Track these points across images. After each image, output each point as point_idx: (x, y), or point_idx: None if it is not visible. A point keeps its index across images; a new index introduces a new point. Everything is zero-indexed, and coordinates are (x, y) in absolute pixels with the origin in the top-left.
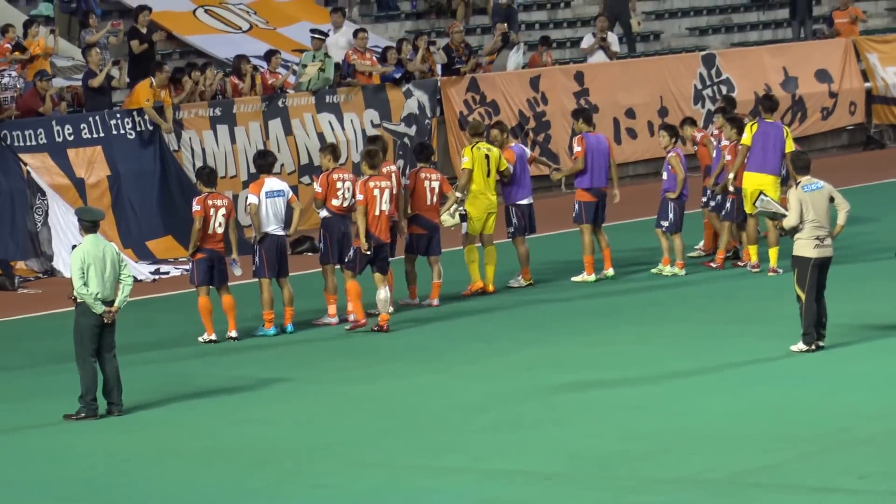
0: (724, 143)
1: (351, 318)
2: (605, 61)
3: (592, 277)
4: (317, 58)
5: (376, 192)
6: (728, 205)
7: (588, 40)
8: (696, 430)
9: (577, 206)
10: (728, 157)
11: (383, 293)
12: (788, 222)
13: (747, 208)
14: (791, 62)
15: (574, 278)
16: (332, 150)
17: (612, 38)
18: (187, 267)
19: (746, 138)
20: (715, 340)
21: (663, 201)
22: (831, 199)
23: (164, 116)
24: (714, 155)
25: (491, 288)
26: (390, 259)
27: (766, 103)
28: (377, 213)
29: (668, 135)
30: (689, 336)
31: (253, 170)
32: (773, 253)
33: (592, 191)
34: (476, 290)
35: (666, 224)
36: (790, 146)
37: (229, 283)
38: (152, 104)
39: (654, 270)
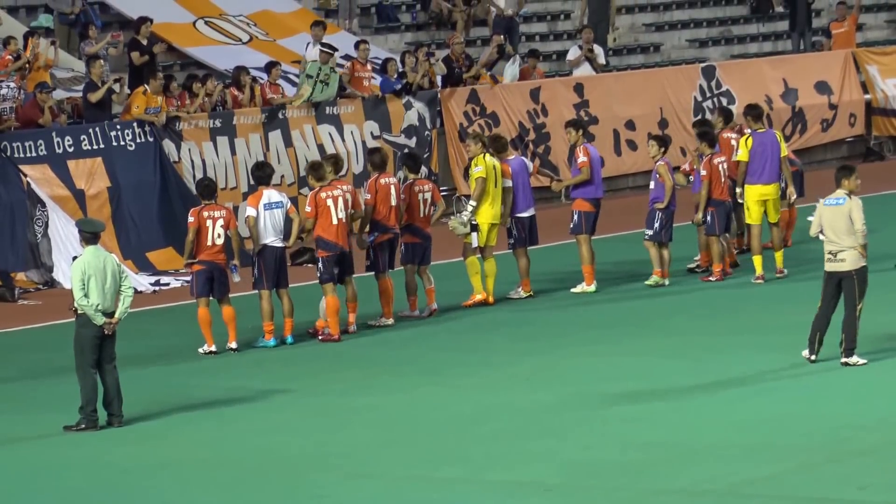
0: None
1: (325, 331)
2: (592, 74)
3: (593, 288)
4: (322, 71)
5: (329, 201)
6: (708, 218)
7: (574, 52)
8: (695, 441)
9: (576, 217)
10: (703, 172)
11: (322, 303)
12: (810, 231)
13: (750, 220)
14: (791, 74)
15: (574, 289)
16: (332, 161)
17: (599, 50)
18: (188, 278)
19: (743, 154)
20: (715, 352)
21: (651, 211)
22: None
23: (158, 121)
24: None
25: (491, 299)
26: (392, 270)
27: (753, 112)
28: (334, 221)
29: (657, 144)
30: (688, 347)
31: (253, 181)
32: (777, 256)
33: (594, 201)
34: (477, 301)
35: (650, 233)
36: (784, 150)
37: (230, 295)
38: (142, 111)
39: (647, 282)
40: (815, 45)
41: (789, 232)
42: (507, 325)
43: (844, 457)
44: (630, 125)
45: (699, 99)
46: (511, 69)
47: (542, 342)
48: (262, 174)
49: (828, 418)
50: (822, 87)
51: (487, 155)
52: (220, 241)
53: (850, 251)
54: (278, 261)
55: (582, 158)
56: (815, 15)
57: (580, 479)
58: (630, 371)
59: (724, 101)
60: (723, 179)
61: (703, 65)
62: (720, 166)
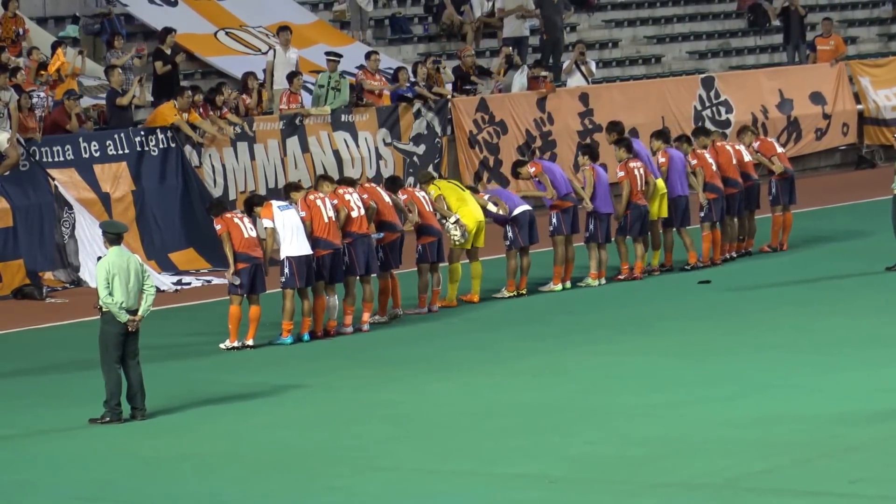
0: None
1: (357, 328)
2: (583, 82)
3: (559, 287)
4: (332, 78)
5: (318, 202)
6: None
7: (567, 63)
8: (693, 436)
9: (554, 219)
10: (621, 174)
11: (333, 300)
12: None
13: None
14: (786, 85)
15: (542, 287)
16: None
17: (590, 61)
18: (208, 278)
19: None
20: (713, 351)
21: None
22: None
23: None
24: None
25: (476, 299)
26: (397, 271)
27: (618, 127)
28: (325, 220)
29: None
30: (687, 347)
31: (271, 185)
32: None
33: (567, 197)
34: (443, 304)
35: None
36: None
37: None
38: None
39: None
40: (808, 57)
41: (785, 236)
42: (515, 325)
43: (836, 452)
44: (633, 133)
45: (699, 108)
46: (519, 79)
47: (548, 341)
48: (254, 203)
49: (820, 416)
50: (816, 98)
51: (436, 181)
52: (252, 234)
53: None
54: (307, 261)
55: (532, 170)
56: (810, 28)
57: (583, 472)
58: (632, 370)
59: (723, 111)
60: (640, 186)
61: (702, 76)
62: (636, 170)
